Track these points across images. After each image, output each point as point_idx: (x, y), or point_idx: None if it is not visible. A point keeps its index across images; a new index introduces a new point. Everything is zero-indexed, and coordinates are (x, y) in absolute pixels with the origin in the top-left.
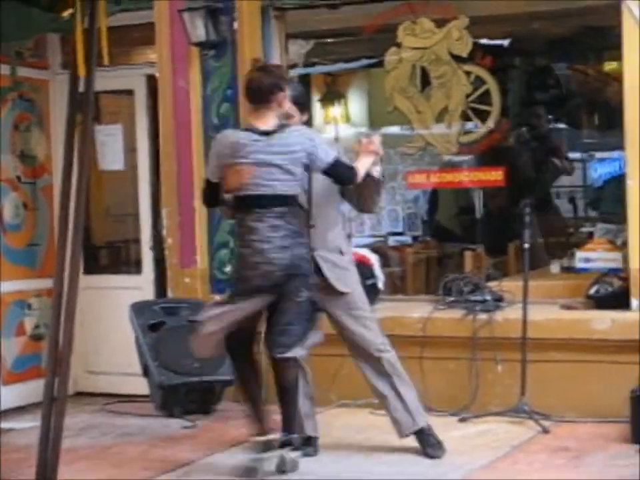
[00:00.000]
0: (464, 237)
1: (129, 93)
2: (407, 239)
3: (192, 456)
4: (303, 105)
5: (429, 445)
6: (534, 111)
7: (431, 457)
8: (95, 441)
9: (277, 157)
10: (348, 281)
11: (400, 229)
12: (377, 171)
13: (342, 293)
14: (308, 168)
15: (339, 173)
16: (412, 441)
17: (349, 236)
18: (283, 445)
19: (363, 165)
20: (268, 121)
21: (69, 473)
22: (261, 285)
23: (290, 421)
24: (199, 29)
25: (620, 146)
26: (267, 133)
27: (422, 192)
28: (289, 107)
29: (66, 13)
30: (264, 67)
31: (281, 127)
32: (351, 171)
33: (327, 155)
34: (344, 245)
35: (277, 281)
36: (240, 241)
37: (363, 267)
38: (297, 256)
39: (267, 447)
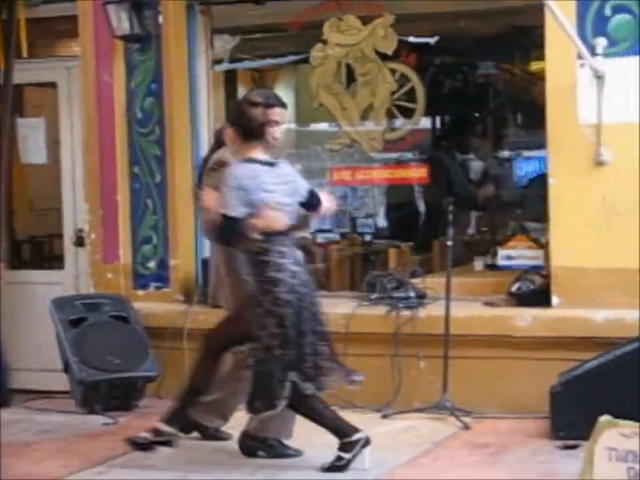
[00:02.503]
0: (389, 233)
1: (52, 85)
2: (334, 235)
3: (111, 453)
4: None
5: None
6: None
7: None
8: (13, 437)
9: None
10: None
11: (328, 226)
12: None
13: None
14: None
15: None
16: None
17: None
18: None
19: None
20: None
21: None
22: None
23: None
24: (123, 22)
25: (545, 144)
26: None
27: (350, 189)
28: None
29: None
30: (256, 102)
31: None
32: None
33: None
34: None
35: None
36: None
37: None
38: None
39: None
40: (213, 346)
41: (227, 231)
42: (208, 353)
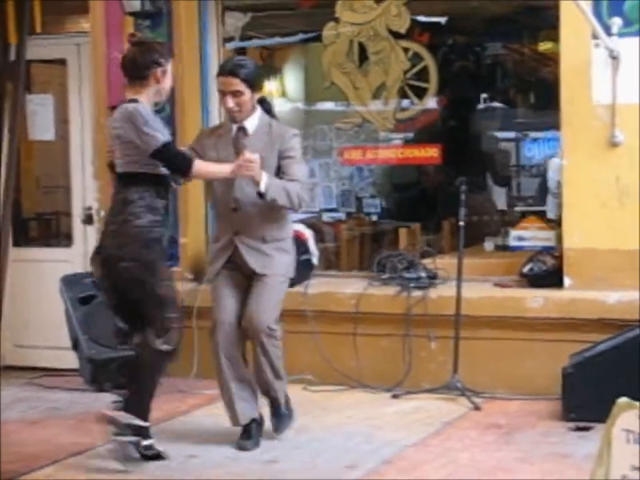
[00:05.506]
0: (399, 213)
1: (61, 62)
2: (340, 215)
3: None
4: (252, 83)
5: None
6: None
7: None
8: (23, 414)
9: None
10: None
11: (334, 205)
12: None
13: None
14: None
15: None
16: (346, 418)
17: None
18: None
19: (221, 169)
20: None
21: None
22: None
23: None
24: None
25: (554, 126)
26: None
27: (357, 168)
28: (234, 83)
29: None
30: (140, 42)
31: None
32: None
33: None
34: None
35: None
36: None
37: (298, 243)
38: None
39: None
40: None
41: None
42: None
